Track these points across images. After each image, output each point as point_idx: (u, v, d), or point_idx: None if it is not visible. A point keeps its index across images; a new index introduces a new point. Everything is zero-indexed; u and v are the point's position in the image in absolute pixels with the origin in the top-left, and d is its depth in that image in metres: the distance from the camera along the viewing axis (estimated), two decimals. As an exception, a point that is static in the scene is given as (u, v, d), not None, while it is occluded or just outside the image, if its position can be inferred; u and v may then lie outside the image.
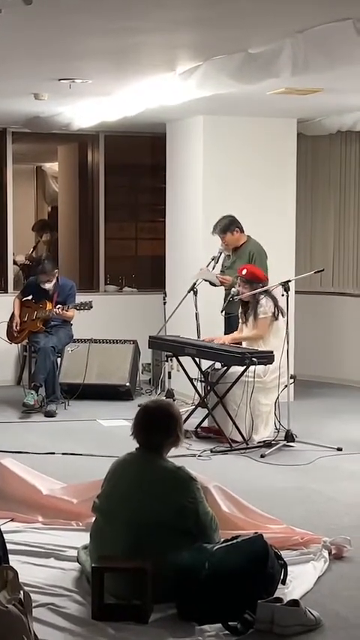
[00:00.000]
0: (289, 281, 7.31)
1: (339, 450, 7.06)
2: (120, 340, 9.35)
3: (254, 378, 7.10)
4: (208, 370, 7.63)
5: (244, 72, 5.73)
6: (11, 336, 9.02)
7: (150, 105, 7.38)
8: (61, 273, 9.31)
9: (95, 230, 10.57)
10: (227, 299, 7.83)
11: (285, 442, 7.14)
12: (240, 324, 7.68)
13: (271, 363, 7.15)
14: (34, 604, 3.69)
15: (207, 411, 7.48)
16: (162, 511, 4.14)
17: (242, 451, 7.07)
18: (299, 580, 4.37)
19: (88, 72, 6.67)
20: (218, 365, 7.56)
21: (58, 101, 7.96)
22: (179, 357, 7.83)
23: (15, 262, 10.84)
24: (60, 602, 4.11)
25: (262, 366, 7.10)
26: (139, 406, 4.56)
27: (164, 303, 8.95)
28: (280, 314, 7.41)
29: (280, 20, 5.03)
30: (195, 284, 8.10)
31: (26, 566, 4.46)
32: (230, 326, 7.99)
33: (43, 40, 5.67)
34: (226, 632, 3.84)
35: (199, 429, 7.53)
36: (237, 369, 7.17)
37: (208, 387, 7.52)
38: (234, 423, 7.22)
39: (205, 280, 8.13)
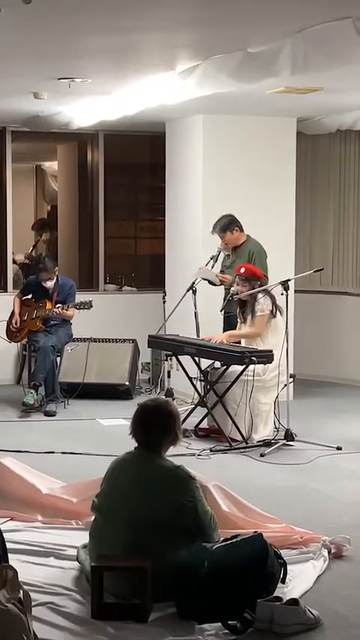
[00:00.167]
0: (289, 280, 7.31)
1: (338, 449, 7.06)
2: (119, 339, 9.35)
3: (254, 376, 7.10)
4: (208, 369, 7.63)
5: (243, 71, 5.73)
6: (11, 335, 9.00)
7: (149, 104, 7.37)
8: (61, 272, 9.30)
9: (95, 229, 10.56)
10: (227, 298, 7.84)
11: (284, 441, 7.14)
12: (239, 323, 7.68)
13: (270, 362, 7.15)
14: (33, 603, 3.69)
15: (206, 410, 7.48)
16: (161, 510, 4.14)
17: (242, 450, 7.07)
18: (299, 579, 4.37)
19: (88, 71, 6.67)
20: (218, 364, 7.56)
21: (57, 100, 7.95)
22: (179, 356, 7.82)
23: (14, 261, 10.84)
24: (59, 601, 4.11)
25: (262, 365, 7.11)
26: (138, 405, 4.56)
27: (164, 302, 8.95)
28: (278, 312, 7.41)
29: (279, 20, 5.03)
30: (194, 283, 8.09)
31: (26, 565, 4.46)
32: (229, 325, 7.98)
33: (42, 39, 5.67)
34: (226, 630, 3.84)
35: (197, 429, 7.53)
36: (236, 368, 7.17)
37: (208, 386, 7.52)
38: (233, 422, 7.22)
39: (205, 279, 8.11)
